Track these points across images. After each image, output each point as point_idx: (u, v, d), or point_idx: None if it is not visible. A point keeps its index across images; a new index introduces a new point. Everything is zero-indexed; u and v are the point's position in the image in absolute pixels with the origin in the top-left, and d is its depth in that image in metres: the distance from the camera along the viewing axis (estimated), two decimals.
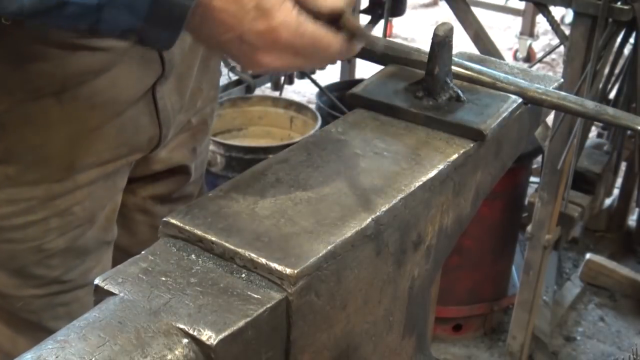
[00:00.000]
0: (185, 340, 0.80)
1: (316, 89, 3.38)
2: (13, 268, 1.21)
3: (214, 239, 0.91)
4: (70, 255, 1.24)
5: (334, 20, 0.97)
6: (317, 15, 0.96)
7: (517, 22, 6.06)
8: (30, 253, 1.20)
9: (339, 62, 3.69)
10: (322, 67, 1.01)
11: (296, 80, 3.99)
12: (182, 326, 0.81)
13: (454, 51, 1.23)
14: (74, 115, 1.14)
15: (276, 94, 3.82)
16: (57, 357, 0.76)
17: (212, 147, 2.80)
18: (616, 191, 3.50)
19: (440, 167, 1.08)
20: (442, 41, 1.16)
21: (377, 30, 3.40)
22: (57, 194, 1.19)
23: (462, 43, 3.23)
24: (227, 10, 0.91)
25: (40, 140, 1.15)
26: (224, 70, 3.36)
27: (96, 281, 0.87)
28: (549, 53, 3.25)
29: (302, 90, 4.88)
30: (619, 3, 2.21)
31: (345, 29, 0.98)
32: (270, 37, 0.92)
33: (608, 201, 3.52)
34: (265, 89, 4.21)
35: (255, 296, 0.85)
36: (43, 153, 1.16)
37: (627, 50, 2.55)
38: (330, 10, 0.96)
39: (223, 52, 0.98)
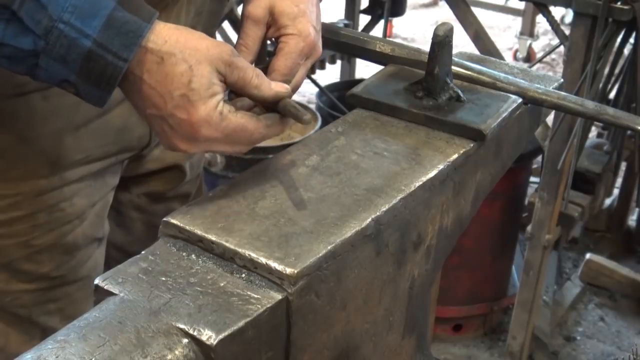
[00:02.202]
0: (185, 340, 0.80)
1: (316, 89, 3.38)
2: (1, 263, 1.21)
3: (214, 239, 0.91)
4: (59, 251, 1.24)
5: (273, 103, 1.00)
6: (258, 100, 0.99)
7: (517, 22, 6.06)
8: (18, 248, 1.20)
9: (339, 62, 3.69)
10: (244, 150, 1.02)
11: None
12: (182, 326, 0.81)
13: (454, 51, 1.23)
14: (59, 112, 1.14)
15: None
16: (57, 357, 0.76)
17: None
18: (616, 191, 3.50)
19: (440, 167, 1.08)
20: (442, 41, 1.16)
21: (377, 30, 3.40)
22: (44, 190, 1.19)
23: (462, 43, 3.24)
24: (155, 88, 0.93)
25: (26, 136, 1.15)
26: None
27: (96, 281, 0.87)
28: (549, 53, 3.25)
29: (302, 90, 4.88)
30: (619, 3, 2.21)
31: (282, 111, 1.00)
32: (189, 129, 0.94)
33: (608, 201, 3.51)
34: None
35: (255, 296, 0.85)
36: (28, 149, 1.15)
37: (627, 50, 2.55)
38: (274, 97, 0.99)
39: (148, 123, 1.00)
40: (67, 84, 0.92)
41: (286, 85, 1.01)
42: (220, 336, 0.80)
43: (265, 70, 1.09)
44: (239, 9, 2.63)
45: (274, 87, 0.99)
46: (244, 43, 1.10)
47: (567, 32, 2.46)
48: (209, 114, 0.93)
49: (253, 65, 1.08)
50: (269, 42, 1.18)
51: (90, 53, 0.89)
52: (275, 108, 1.00)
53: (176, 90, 0.92)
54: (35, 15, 0.87)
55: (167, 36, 0.93)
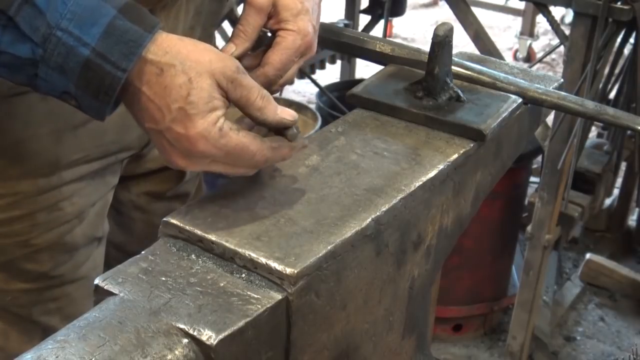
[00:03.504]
0: (185, 340, 0.80)
1: (316, 89, 3.38)
2: (1, 262, 1.21)
3: (214, 239, 0.91)
4: (59, 250, 1.24)
5: (278, 129, 0.97)
6: (259, 123, 0.96)
7: (517, 22, 6.06)
8: (18, 248, 1.20)
9: (339, 62, 3.69)
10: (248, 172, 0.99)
11: (296, 80, 3.99)
12: (182, 326, 0.81)
13: (454, 51, 1.23)
14: (58, 111, 1.14)
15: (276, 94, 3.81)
16: (57, 357, 0.76)
17: None
18: (616, 191, 3.50)
19: (440, 167, 1.08)
20: (442, 41, 1.16)
21: (377, 30, 3.40)
22: (43, 189, 1.18)
23: (462, 43, 3.24)
24: (153, 101, 0.89)
25: (24, 135, 1.14)
26: None
27: (96, 281, 0.87)
28: (549, 53, 3.25)
29: (302, 90, 4.88)
30: (619, 3, 2.21)
31: (288, 139, 0.97)
32: (186, 144, 0.90)
33: (608, 201, 3.51)
34: None
35: (255, 296, 0.85)
36: (28, 148, 1.15)
37: (627, 50, 2.55)
38: (278, 123, 0.95)
39: (149, 138, 0.97)
40: (67, 95, 0.89)
41: (293, 113, 0.97)
42: (220, 336, 0.80)
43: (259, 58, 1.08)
44: (239, 9, 2.63)
45: (280, 112, 0.95)
46: (243, 30, 1.07)
47: (567, 32, 2.46)
48: (206, 128, 0.89)
49: (252, 61, 1.07)
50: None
51: (88, 62, 0.86)
52: (281, 132, 0.97)
53: (174, 103, 0.88)
54: (33, 22, 0.84)
55: (169, 47, 0.89)
